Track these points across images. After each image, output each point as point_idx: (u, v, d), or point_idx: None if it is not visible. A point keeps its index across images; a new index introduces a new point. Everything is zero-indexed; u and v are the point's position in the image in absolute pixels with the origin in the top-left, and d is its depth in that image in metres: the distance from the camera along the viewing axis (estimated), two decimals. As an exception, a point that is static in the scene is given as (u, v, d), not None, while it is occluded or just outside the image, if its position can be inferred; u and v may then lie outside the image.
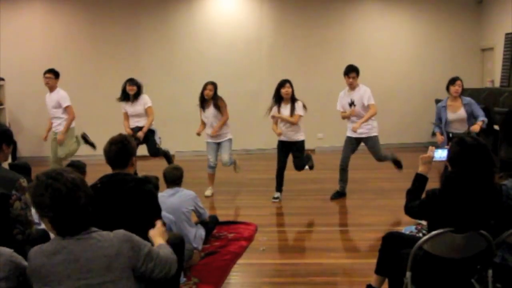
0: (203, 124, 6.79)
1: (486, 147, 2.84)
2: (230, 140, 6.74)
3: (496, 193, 2.83)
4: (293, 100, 6.21)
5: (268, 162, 8.68)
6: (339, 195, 6.42)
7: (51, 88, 6.72)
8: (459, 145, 2.84)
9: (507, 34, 8.84)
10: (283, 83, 6.21)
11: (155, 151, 7.03)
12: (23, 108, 9.68)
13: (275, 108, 6.27)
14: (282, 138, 6.30)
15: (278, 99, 6.25)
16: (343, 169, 6.34)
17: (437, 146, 2.99)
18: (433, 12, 9.92)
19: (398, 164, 6.60)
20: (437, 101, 9.28)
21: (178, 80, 9.75)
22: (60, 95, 6.70)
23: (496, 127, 7.51)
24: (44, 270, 2.07)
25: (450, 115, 6.04)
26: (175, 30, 9.82)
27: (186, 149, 9.60)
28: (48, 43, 9.69)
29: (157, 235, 2.57)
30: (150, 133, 6.94)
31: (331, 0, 9.84)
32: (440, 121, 6.13)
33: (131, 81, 6.83)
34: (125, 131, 6.75)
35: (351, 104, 6.18)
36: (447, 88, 6.10)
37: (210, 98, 6.61)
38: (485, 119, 5.95)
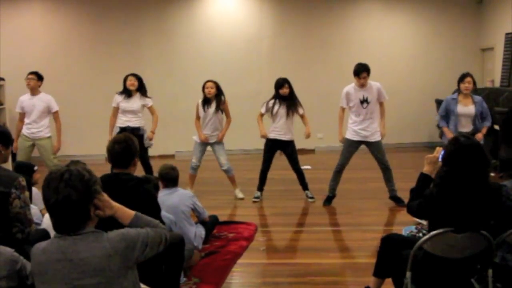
0: (199, 123, 6.50)
1: (480, 146, 2.86)
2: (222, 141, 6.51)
3: (493, 193, 2.83)
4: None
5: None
6: (330, 199, 6.18)
7: (33, 91, 6.38)
8: (453, 145, 2.85)
9: (507, 34, 8.84)
10: (282, 84, 6.17)
11: (145, 159, 6.41)
12: (23, 108, 9.65)
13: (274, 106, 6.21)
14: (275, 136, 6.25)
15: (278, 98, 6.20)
16: (339, 172, 6.06)
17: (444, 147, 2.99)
18: (433, 12, 9.91)
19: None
20: (437, 101, 9.29)
21: (178, 80, 9.74)
22: (49, 99, 6.46)
23: (496, 127, 7.50)
24: (42, 268, 2.07)
25: (460, 108, 5.79)
26: (175, 30, 9.81)
27: (186, 149, 9.57)
28: (48, 43, 9.68)
29: (120, 208, 2.31)
30: (139, 137, 6.18)
31: (331, -1, 9.86)
32: (446, 115, 5.89)
33: (132, 75, 6.43)
34: (108, 128, 6.43)
35: (364, 101, 5.89)
36: (458, 85, 5.87)
37: (213, 97, 6.32)
38: (489, 124, 5.87)
